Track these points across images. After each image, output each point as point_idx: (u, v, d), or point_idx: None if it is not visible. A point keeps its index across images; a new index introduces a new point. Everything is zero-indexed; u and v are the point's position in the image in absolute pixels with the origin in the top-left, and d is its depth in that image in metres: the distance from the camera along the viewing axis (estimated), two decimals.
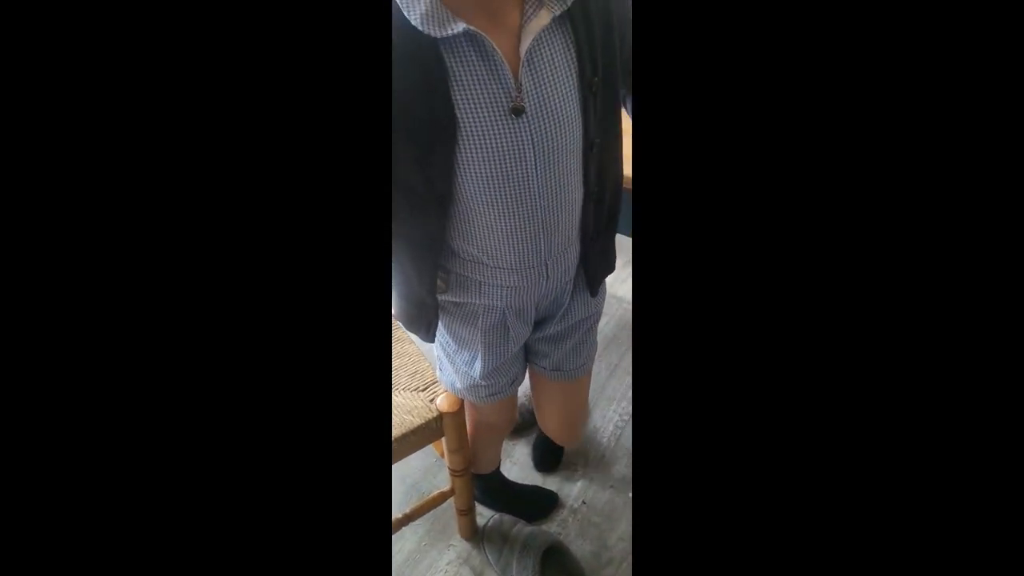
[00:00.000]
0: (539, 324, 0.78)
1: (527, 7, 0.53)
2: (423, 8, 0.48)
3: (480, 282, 0.67)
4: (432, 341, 0.79)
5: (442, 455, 1.01)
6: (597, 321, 0.83)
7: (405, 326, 0.78)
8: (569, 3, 0.52)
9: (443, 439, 0.89)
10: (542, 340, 0.81)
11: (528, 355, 0.85)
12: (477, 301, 0.70)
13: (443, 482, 1.21)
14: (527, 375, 0.89)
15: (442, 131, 0.53)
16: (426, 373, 0.91)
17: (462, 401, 0.85)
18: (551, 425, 0.98)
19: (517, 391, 0.88)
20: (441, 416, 0.84)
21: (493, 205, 0.59)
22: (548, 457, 1.25)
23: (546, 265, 0.67)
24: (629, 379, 1.47)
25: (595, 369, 1.49)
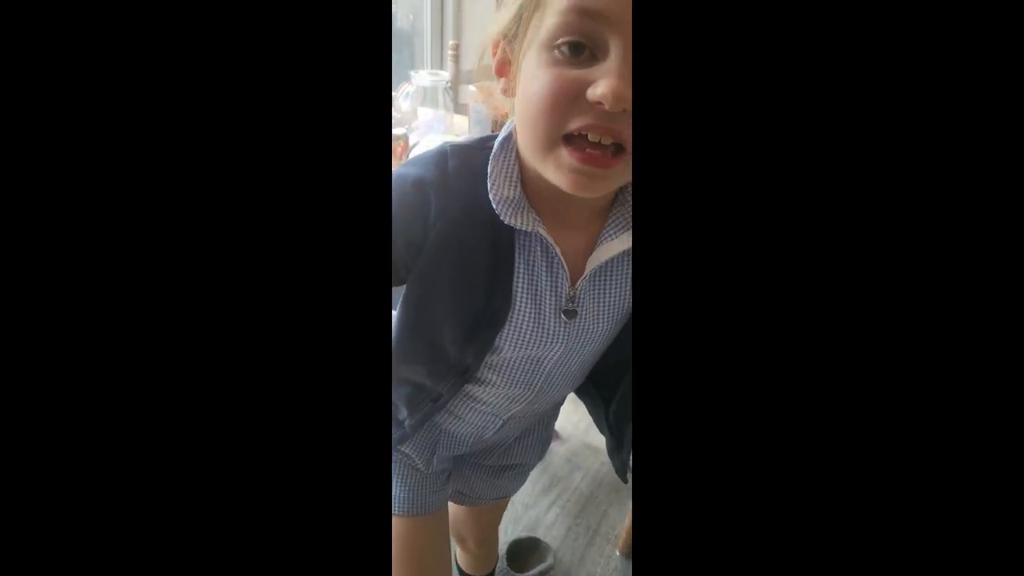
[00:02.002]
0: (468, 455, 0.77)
1: (611, 223, 0.51)
2: (511, 193, 0.47)
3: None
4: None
5: None
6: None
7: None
8: None
9: None
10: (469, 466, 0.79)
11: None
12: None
13: None
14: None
15: (493, 318, 0.52)
16: None
17: None
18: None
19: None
20: None
21: (505, 378, 0.59)
22: None
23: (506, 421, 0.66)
24: (610, 547, 1.26)
25: (572, 535, 1.34)
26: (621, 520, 1.30)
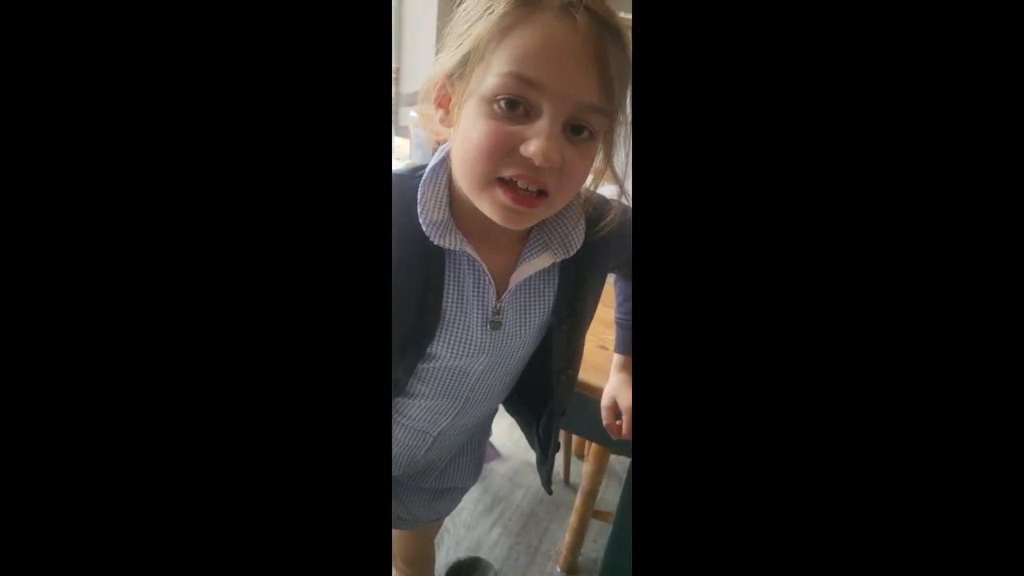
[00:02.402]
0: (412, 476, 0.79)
1: (531, 244, 0.56)
2: (440, 216, 0.52)
3: None
4: None
5: None
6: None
7: None
8: (572, 253, 0.56)
9: None
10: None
11: None
12: None
13: None
14: None
15: (423, 334, 0.56)
16: None
17: None
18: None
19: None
20: None
21: (432, 389, 0.63)
22: None
23: (436, 436, 0.69)
24: (551, 564, 1.28)
25: (514, 554, 1.34)
26: (562, 536, 1.32)
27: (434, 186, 0.52)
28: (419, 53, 2.14)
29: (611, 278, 0.74)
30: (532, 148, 0.43)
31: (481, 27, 0.44)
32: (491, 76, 0.43)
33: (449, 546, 1.30)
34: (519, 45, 0.42)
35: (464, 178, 0.48)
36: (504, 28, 0.43)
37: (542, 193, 0.46)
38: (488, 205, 0.47)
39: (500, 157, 0.44)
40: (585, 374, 0.72)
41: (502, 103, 0.43)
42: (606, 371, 0.80)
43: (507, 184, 0.45)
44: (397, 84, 1.67)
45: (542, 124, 0.43)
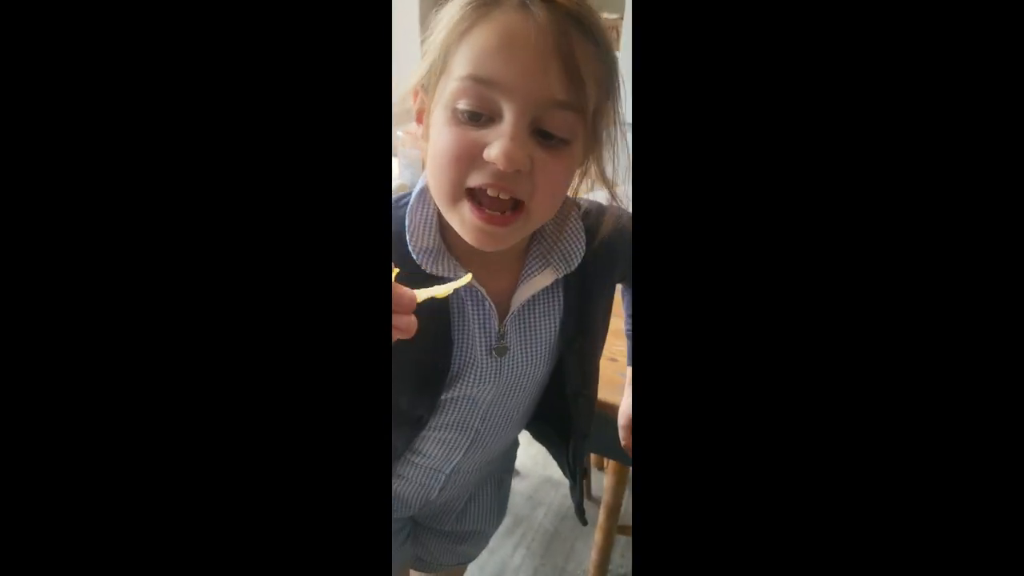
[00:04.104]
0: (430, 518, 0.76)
1: (529, 261, 0.53)
2: (430, 243, 0.49)
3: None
4: None
5: None
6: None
7: None
8: (574, 267, 0.52)
9: None
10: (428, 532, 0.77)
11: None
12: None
13: None
14: None
15: (439, 366, 0.54)
16: None
17: None
18: None
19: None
20: None
21: (440, 420, 0.59)
22: None
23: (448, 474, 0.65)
24: None
25: (539, 575, 1.31)
26: (587, 555, 1.27)
27: (421, 211, 0.49)
28: (404, 70, 2.13)
29: (619, 288, 0.70)
30: (494, 151, 0.40)
31: (444, 34, 0.42)
32: (451, 82, 0.41)
33: (471, 571, 1.26)
34: (475, 46, 0.40)
35: (436, 193, 0.46)
36: (462, 32, 0.41)
37: (517, 205, 0.43)
38: (459, 225, 0.44)
39: (465, 166, 0.42)
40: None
41: (464, 113, 0.41)
42: (616, 384, 0.77)
43: (477, 197, 0.42)
44: None
45: (504, 125, 0.40)
